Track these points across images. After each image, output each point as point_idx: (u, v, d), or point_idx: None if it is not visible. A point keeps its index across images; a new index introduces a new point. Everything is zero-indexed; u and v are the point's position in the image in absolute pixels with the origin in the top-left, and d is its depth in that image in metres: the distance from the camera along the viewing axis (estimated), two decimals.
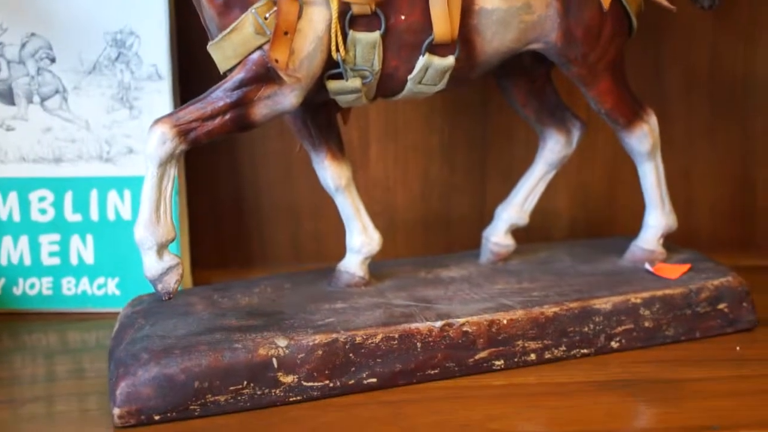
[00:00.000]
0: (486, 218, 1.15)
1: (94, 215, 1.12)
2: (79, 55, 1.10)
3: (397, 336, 0.90)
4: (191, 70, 1.15)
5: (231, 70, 0.88)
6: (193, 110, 0.86)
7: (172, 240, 0.88)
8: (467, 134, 1.24)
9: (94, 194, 1.12)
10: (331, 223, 1.20)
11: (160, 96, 1.10)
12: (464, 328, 0.91)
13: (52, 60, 1.10)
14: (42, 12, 1.09)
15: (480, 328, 0.92)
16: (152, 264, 0.87)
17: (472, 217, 1.26)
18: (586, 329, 0.95)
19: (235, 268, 1.23)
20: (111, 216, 1.12)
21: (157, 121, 0.86)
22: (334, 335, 0.88)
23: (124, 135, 1.11)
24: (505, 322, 0.93)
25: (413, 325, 0.90)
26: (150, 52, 1.10)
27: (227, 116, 0.87)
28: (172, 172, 0.87)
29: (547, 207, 1.17)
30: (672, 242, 1.09)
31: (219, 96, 0.87)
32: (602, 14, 0.96)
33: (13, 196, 1.12)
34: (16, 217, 1.12)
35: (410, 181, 1.25)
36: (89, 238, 1.13)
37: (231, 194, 1.24)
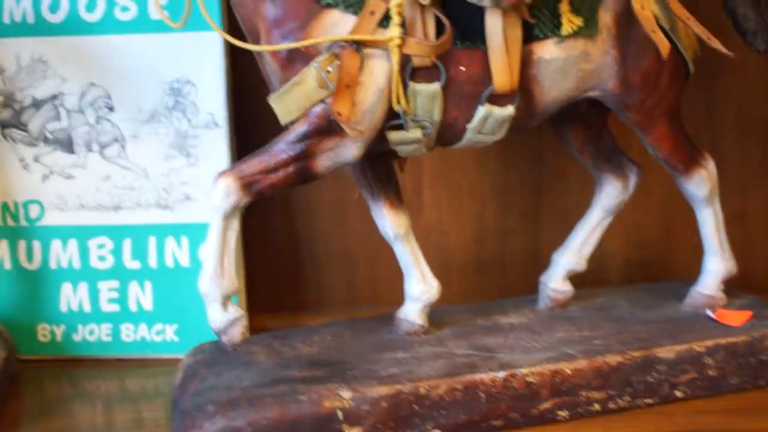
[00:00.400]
0: (540, 262, 1.15)
1: (153, 262, 1.13)
2: (137, 104, 1.11)
3: (460, 387, 0.89)
4: (247, 118, 1.16)
5: (292, 122, 0.89)
6: (256, 163, 0.87)
7: (236, 292, 0.88)
8: (522, 178, 1.24)
9: (152, 241, 1.13)
10: (386, 269, 1.20)
11: (217, 144, 1.11)
12: (528, 379, 0.91)
13: (111, 109, 1.12)
14: (101, 62, 1.11)
15: (543, 378, 0.91)
16: (217, 316, 0.87)
17: (526, 261, 1.25)
18: (649, 378, 0.95)
19: (289, 313, 1.24)
20: (169, 263, 1.13)
21: (222, 173, 0.87)
22: (398, 387, 0.88)
23: (181, 182, 1.12)
24: (568, 372, 0.92)
25: (477, 376, 0.90)
26: (207, 100, 1.11)
27: (290, 169, 0.88)
28: (236, 224, 0.88)
29: (601, 249, 1.16)
30: (729, 286, 1.08)
31: (282, 149, 0.88)
32: (660, 61, 0.96)
33: (72, 244, 1.13)
34: (76, 264, 1.13)
35: (464, 225, 1.25)
36: (148, 284, 1.14)
37: (286, 239, 1.25)
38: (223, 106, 1.11)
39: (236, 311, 0.88)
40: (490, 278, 1.26)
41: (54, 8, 1.10)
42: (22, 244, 1.14)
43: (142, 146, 1.12)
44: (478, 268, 1.26)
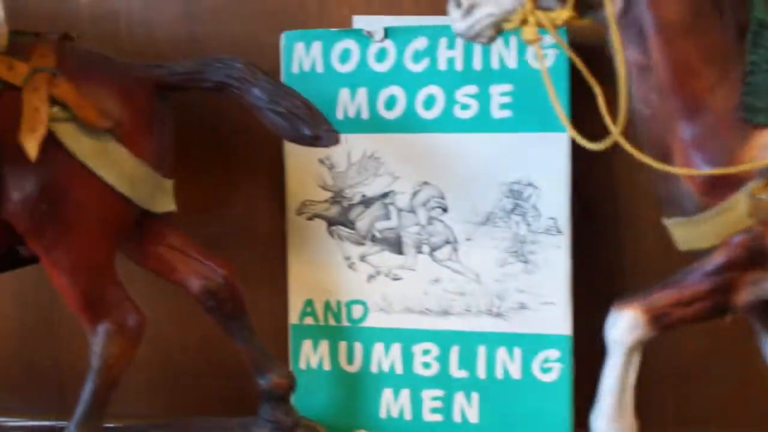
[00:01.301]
0: None
1: (481, 372, 1.07)
2: (472, 205, 1.05)
3: None
4: (588, 226, 1.07)
5: (704, 250, 0.80)
6: (667, 295, 0.82)
7: None
8: None
9: (481, 350, 1.07)
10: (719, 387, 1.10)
11: (557, 251, 1.04)
12: None
13: (444, 209, 1.06)
14: (436, 161, 1.05)
15: None
16: None
17: None
18: None
19: None
20: (499, 374, 1.06)
21: (625, 304, 0.83)
22: None
23: (516, 290, 1.05)
24: None
25: None
26: (549, 204, 1.03)
27: (706, 302, 0.81)
28: (637, 360, 0.82)
29: None
30: None
31: (697, 280, 0.81)
32: None
33: (396, 348, 1.08)
34: (399, 370, 1.08)
35: None
36: (474, 396, 1.07)
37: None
38: (566, 211, 1.03)
39: None
40: None
41: (390, 105, 1.06)
42: (343, 345, 1.09)
43: (475, 250, 1.06)
44: None
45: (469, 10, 0.85)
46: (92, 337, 0.93)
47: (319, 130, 0.92)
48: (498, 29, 0.86)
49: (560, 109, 0.86)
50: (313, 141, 0.93)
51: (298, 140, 0.94)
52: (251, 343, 1.01)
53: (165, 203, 0.94)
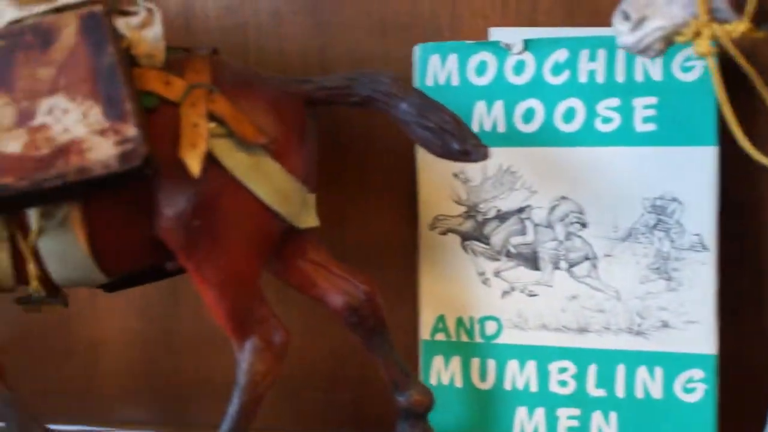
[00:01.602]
0: None
1: (620, 392, 1.04)
2: (613, 220, 1.03)
3: None
4: (735, 243, 1.04)
5: None
6: None
7: None
8: None
9: (620, 369, 1.04)
10: None
11: (703, 268, 1.01)
12: None
13: (583, 225, 1.04)
14: (575, 175, 1.03)
15: None
16: None
17: None
18: None
19: None
20: (639, 394, 1.04)
21: None
22: None
23: (658, 308, 1.02)
24: None
25: None
26: (694, 220, 1.01)
27: None
28: None
29: None
30: None
31: None
32: None
33: (531, 365, 1.06)
34: (533, 388, 1.06)
35: None
36: (613, 415, 1.05)
37: None
38: (713, 227, 1.00)
39: None
40: None
41: (528, 118, 1.04)
42: (475, 362, 1.08)
43: (615, 266, 1.03)
44: None
45: (639, 23, 0.83)
46: (239, 353, 0.93)
47: (468, 145, 0.91)
48: (668, 42, 0.84)
49: (734, 123, 0.83)
50: (462, 156, 0.91)
51: (447, 155, 0.92)
52: (391, 358, 1.00)
53: (310, 219, 0.94)
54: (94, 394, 1.25)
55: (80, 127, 0.82)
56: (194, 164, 0.86)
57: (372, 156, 1.11)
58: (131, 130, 0.83)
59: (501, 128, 1.04)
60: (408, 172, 1.08)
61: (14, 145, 0.82)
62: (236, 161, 0.87)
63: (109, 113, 0.82)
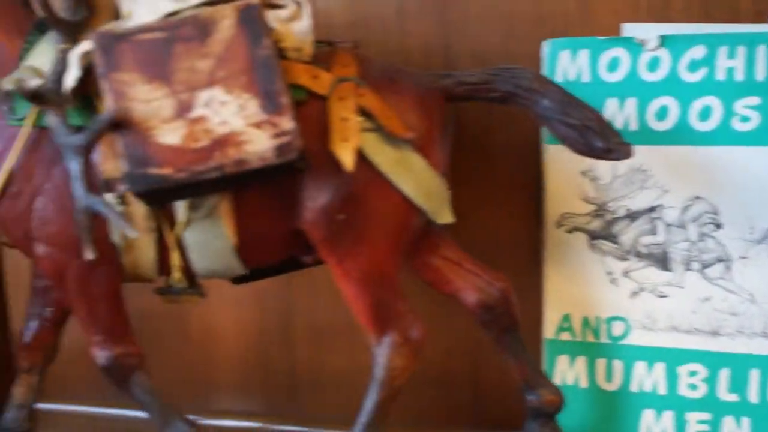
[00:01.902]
0: None
1: (753, 397, 1.02)
2: (749, 222, 1.00)
3: None
4: None
5: None
6: None
7: None
8: None
9: (754, 374, 1.02)
10: None
11: None
12: None
13: (718, 226, 1.01)
14: (710, 175, 1.01)
15: None
16: None
17: None
18: None
19: None
20: None
21: None
22: None
23: None
24: None
25: None
26: None
27: None
28: None
29: None
30: None
31: None
32: None
33: (659, 367, 1.04)
34: (662, 390, 1.04)
35: None
36: (745, 421, 1.02)
37: None
38: None
39: None
40: None
41: (662, 116, 1.02)
42: (601, 363, 1.06)
43: (750, 268, 1.01)
44: None
45: None
46: (376, 348, 0.93)
47: (612, 143, 0.89)
48: None
49: None
50: (606, 154, 0.90)
51: (590, 153, 0.91)
52: (523, 357, 0.99)
53: (448, 215, 0.93)
54: (208, 384, 1.26)
55: (237, 120, 0.83)
56: (347, 158, 0.86)
57: (497, 152, 1.09)
58: (288, 123, 0.83)
59: (633, 126, 1.02)
60: (534, 168, 1.07)
61: (173, 136, 0.82)
62: (383, 156, 0.87)
63: (266, 106, 0.83)
